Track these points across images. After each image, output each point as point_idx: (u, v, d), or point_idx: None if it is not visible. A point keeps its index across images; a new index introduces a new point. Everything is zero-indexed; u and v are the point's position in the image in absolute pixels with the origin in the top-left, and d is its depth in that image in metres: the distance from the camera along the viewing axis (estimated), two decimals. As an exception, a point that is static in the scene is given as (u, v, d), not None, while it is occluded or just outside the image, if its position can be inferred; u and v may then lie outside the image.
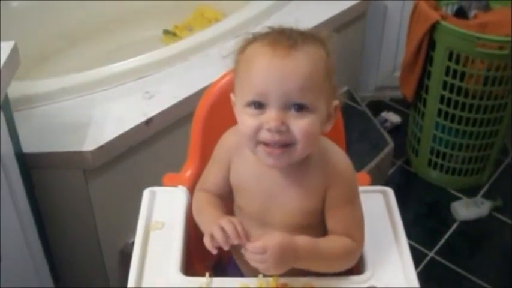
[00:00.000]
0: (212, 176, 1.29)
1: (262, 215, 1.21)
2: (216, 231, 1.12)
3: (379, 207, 1.35)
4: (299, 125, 1.09)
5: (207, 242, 1.14)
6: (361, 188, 1.32)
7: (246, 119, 1.12)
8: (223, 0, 2.99)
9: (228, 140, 1.28)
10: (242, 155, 1.24)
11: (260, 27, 1.75)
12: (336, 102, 1.18)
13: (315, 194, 1.19)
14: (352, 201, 1.21)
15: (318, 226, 1.21)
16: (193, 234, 1.31)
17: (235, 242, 1.11)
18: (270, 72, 1.08)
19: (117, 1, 2.93)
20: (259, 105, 1.10)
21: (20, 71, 1.62)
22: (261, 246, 1.08)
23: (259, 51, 1.11)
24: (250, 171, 1.22)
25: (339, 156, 1.22)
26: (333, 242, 1.17)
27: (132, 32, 2.98)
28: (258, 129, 1.10)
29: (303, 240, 1.12)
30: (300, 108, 1.09)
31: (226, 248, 1.13)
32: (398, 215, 1.32)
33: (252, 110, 1.11)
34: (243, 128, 1.13)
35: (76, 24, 2.86)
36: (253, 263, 1.10)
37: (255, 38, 1.16)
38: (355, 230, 1.20)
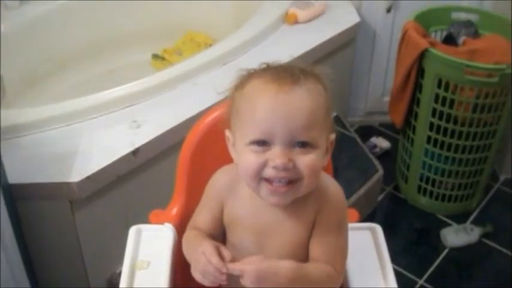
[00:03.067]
0: (203, 217, 1.27)
1: (258, 251, 1.19)
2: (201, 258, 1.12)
3: (367, 245, 1.34)
4: (304, 160, 1.08)
5: (198, 278, 1.14)
6: (349, 225, 1.31)
7: (250, 156, 1.10)
8: (213, 24, 3.00)
9: (220, 180, 1.26)
10: (236, 194, 1.22)
11: (249, 54, 1.75)
12: (332, 137, 1.17)
13: (309, 225, 1.17)
14: (339, 229, 1.19)
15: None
16: (179, 273, 1.30)
17: (221, 277, 1.10)
18: (275, 110, 1.07)
19: (107, 25, 2.93)
20: (262, 143, 1.09)
21: (8, 97, 1.61)
22: (238, 269, 1.08)
23: (262, 88, 1.10)
24: (246, 209, 1.21)
25: (330, 184, 1.21)
26: (317, 268, 1.15)
27: (121, 56, 2.98)
28: (262, 167, 1.09)
29: (286, 264, 1.10)
30: (304, 145, 1.09)
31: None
32: (387, 252, 1.31)
33: (255, 147, 1.09)
34: (245, 166, 1.11)
35: (65, 49, 2.85)
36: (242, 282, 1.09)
37: (253, 75, 1.15)
38: (338, 259, 1.18)
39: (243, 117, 1.12)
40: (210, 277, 1.11)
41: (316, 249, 1.17)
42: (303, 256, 1.17)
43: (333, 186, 1.21)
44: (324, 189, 1.19)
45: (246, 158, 1.11)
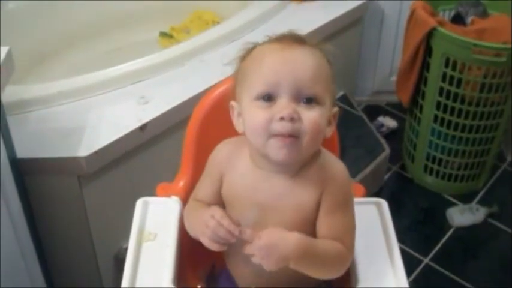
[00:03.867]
0: (204, 190, 1.28)
1: (257, 228, 1.17)
2: (209, 221, 1.13)
3: (372, 219, 1.34)
4: (309, 115, 1.10)
5: (206, 242, 1.14)
6: (355, 199, 1.32)
7: (256, 112, 1.11)
8: (221, 2, 2.99)
9: (220, 152, 1.27)
10: (236, 166, 1.23)
11: (256, 32, 1.75)
12: (335, 109, 1.19)
13: (311, 202, 1.17)
14: (346, 206, 1.20)
15: (314, 235, 1.18)
16: (186, 245, 1.30)
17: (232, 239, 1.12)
18: (282, 61, 1.11)
19: (115, 3, 2.93)
20: (268, 98, 1.10)
21: (16, 74, 1.61)
22: (249, 233, 1.10)
23: (268, 48, 1.15)
24: (246, 181, 1.21)
25: (334, 161, 1.22)
26: (327, 245, 1.15)
27: (129, 34, 2.97)
28: (269, 122, 1.09)
29: (296, 235, 1.11)
30: (310, 100, 1.10)
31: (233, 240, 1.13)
32: (392, 227, 1.31)
33: (261, 103, 1.11)
34: (252, 122, 1.12)
35: (73, 26, 2.85)
36: (247, 250, 1.10)
37: (258, 44, 1.19)
38: (347, 236, 1.18)
39: (249, 76, 1.15)
40: (221, 240, 1.12)
41: (324, 227, 1.18)
42: (307, 234, 1.16)
43: (336, 164, 1.22)
44: (327, 167, 1.19)
45: (252, 114, 1.12)
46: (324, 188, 1.17)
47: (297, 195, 1.18)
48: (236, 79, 1.20)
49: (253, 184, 1.20)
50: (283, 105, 1.09)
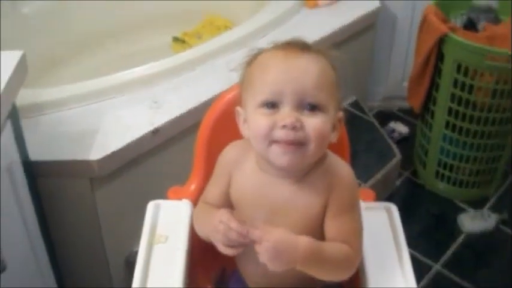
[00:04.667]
0: (212, 192, 1.29)
1: None
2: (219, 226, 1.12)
3: (382, 224, 1.35)
4: (312, 123, 1.11)
5: (221, 248, 1.14)
6: (365, 204, 1.33)
7: (259, 119, 1.12)
8: (233, 7, 3.00)
9: (228, 154, 1.28)
10: (243, 169, 1.24)
11: (268, 37, 1.75)
12: (340, 114, 1.19)
13: (317, 206, 1.18)
14: (353, 209, 1.20)
15: (321, 238, 1.19)
16: (197, 247, 1.31)
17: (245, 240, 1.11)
18: (285, 71, 1.12)
19: (128, 8, 2.94)
20: (272, 105, 1.11)
21: (29, 77, 1.63)
22: (258, 235, 1.09)
23: (272, 55, 1.16)
24: (252, 185, 1.22)
25: (341, 165, 1.23)
26: (334, 248, 1.16)
27: (142, 39, 2.99)
28: (271, 128, 1.11)
29: (305, 240, 1.11)
30: (313, 108, 1.11)
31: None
32: (402, 232, 1.32)
33: (265, 110, 1.12)
34: (255, 128, 1.14)
35: (86, 31, 2.86)
36: (256, 249, 1.10)
37: (263, 50, 1.20)
38: (354, 239, 1.19)
39: (254, 83, 1.16)
40: (233, 243, 1.12)
41: (332, 230, 1.18)
42: (314, 236, 1.16)
43: (342, 168, 1.22)
44: (333, 171, 1.20)
45: (256, 120, 1.13)
46: (330, 192, 1.18)
47: (303, 200, 1.19)
48: (242, 85, 1.21)
49: (260, 188, 1.21)
50: (286, 114, 1.10)
